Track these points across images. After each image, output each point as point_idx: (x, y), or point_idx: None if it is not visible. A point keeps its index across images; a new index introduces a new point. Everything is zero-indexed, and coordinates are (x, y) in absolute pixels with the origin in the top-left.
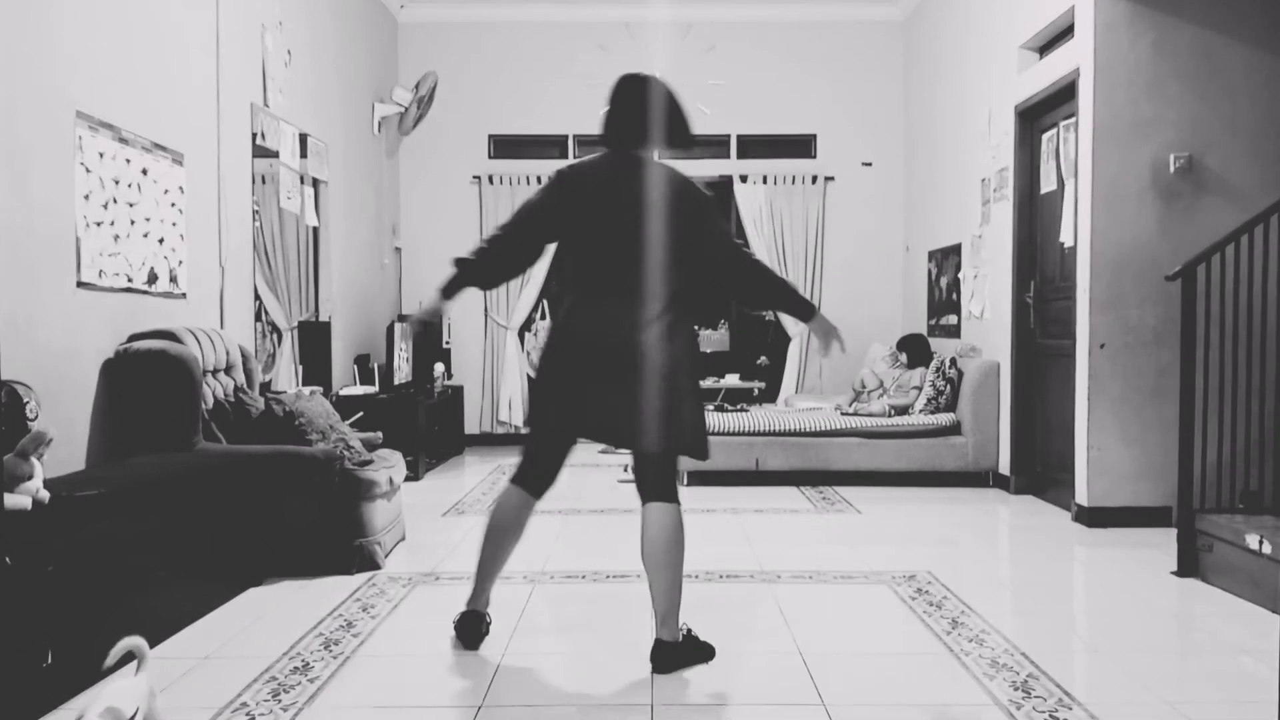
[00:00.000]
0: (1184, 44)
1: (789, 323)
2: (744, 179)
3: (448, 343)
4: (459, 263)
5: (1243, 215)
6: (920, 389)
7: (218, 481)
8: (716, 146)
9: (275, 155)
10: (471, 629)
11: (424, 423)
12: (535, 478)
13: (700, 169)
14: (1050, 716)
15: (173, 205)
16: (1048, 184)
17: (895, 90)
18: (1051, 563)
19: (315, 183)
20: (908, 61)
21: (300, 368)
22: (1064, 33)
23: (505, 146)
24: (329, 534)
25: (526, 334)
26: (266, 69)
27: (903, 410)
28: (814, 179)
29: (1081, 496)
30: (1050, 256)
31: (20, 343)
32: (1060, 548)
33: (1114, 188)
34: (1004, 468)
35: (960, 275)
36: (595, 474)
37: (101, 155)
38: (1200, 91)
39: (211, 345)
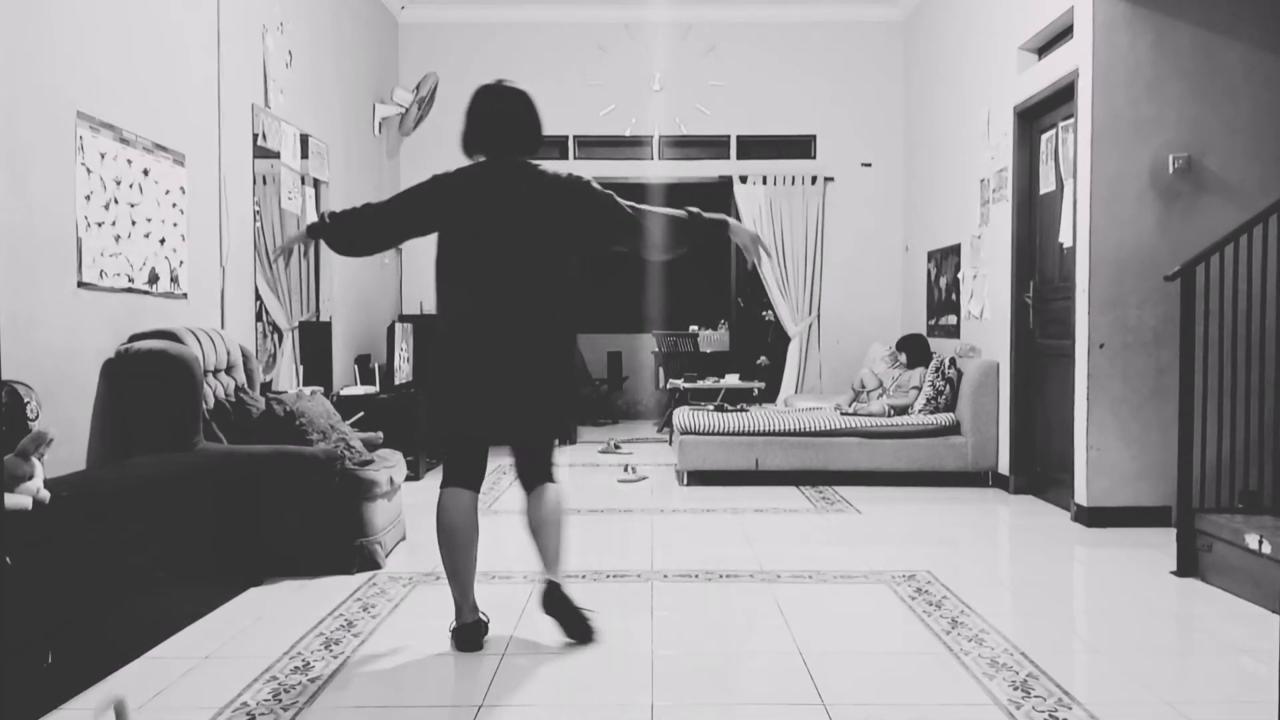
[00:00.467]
0: (1184, 44)
1: (789, 323)
2: (744, 179)
3: None
4: (330, 216)
5: (1242, 215)
6: (920, 389)
7: (218, 481)
8: (716, 147)
9: (276, 156)
10: (470, 638)
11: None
12: (467, 475)
13: (700, 169)
14: (1050, 716)
15: (174, 206)
16: (1047, 184)
17: (895, 91)
18: (1051, 563)
19: (316, 183)
20: (907, 62)
21: (301, 368)
22: (1063, 33)
23: None
24: (329, 534)
25: None
26: (267, 70)
27: (902, 410)
28: (814, 179)
29: (1081, 496)
30: (1049, 257)
31: (21, 343)
32: (1060, 548)
33: (1113, 188)
34: (1003, 468)
35: (959, 275)
36: (595, 474)
37: (103, 156)
38: (1200, 91)
39: (212, 345)
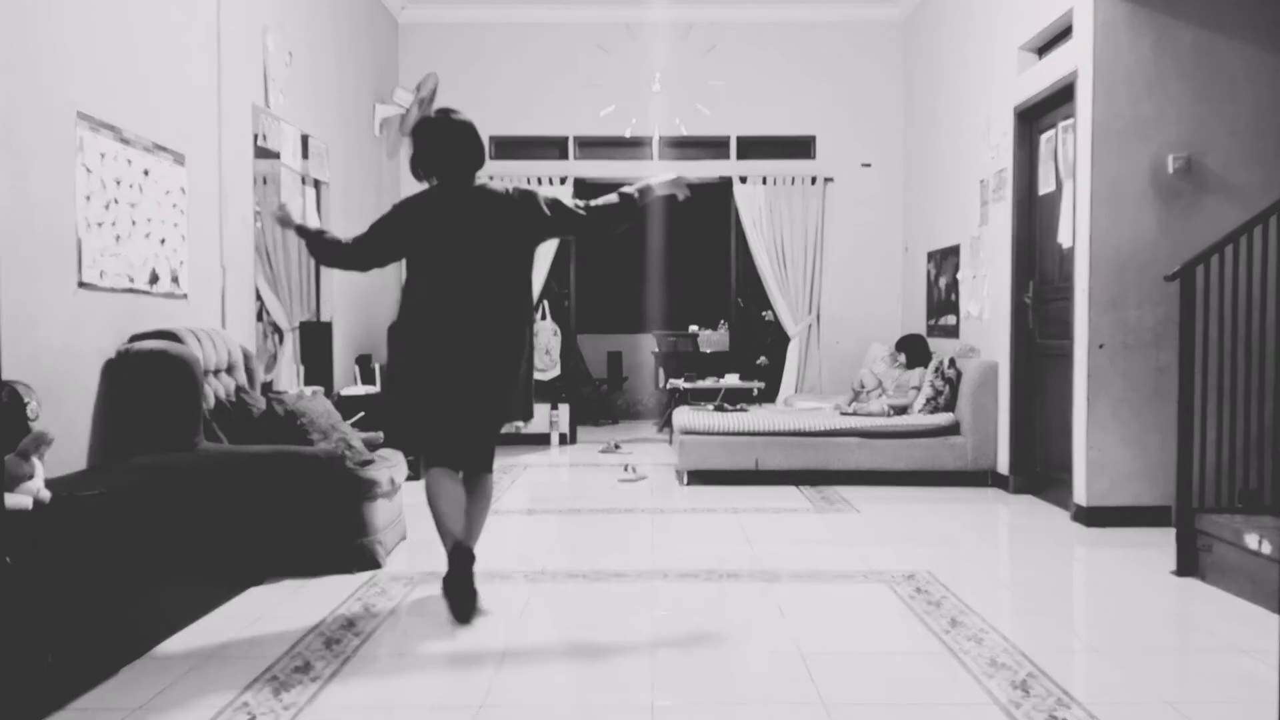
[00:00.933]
0: (1184, 44)
1: (789, 323)
2: (744, 180)
3: None
4: (318, 237)
5: (1242, 215)
6: (919, 389)
7: (219, 481)
8: (716, 147)
9: (276, 156)
10: (462, 564)
11: None
12: (449, 458)
13: (700, 170)
14: (1049, 716)
15: (174, 206)
16: (1046, 185)
17: (895, 91)
18: (1051, 562)
19: (316, 183)
20: (907, 62)
21: (301, 368)
22: (1063, 34)
23: (506, 148)
24: (330, 533)
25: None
26: (268, 70)
27: (902, 410)
28: (814, 180)
29: (1080, 496)
30: (1049, 257)
31: (21, 343)
32: (1059, 547)
33: (1113, 188)
34: (1003, 468)
35: (959, 276)
36: (595, 474)
37: (103, 156)
38: (1200, 91)
39: (213, 345)
